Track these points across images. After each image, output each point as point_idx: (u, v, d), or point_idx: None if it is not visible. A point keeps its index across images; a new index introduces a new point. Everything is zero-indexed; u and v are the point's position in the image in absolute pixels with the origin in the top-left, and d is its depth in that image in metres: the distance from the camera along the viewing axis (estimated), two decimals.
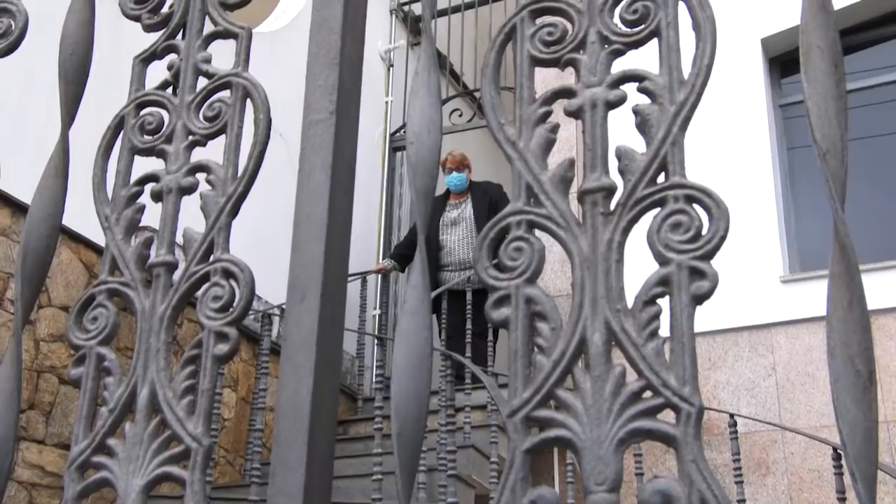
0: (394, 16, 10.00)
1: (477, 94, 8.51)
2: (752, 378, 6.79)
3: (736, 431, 5.31)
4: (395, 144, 9.35)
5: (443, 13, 9.37)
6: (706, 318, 0.93)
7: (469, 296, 6.86)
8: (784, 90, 7.40)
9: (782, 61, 7.22)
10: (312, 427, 1.04)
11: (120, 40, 1.33)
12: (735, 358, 6.70)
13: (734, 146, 6.92)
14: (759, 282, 6.62)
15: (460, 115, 9.04)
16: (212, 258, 1.18)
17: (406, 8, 10.00)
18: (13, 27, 1.44)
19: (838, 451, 4.88)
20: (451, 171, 7.59)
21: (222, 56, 1.31)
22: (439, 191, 7.70)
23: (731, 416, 5.37)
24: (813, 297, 6.54)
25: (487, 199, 7.51)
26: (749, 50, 7.16)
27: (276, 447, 1.04)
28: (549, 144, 1.07)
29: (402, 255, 7.62)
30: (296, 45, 7.23)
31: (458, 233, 7.41)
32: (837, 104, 0.98)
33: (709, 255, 0.96)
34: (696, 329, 0.95)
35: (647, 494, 0.91)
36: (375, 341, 7.44)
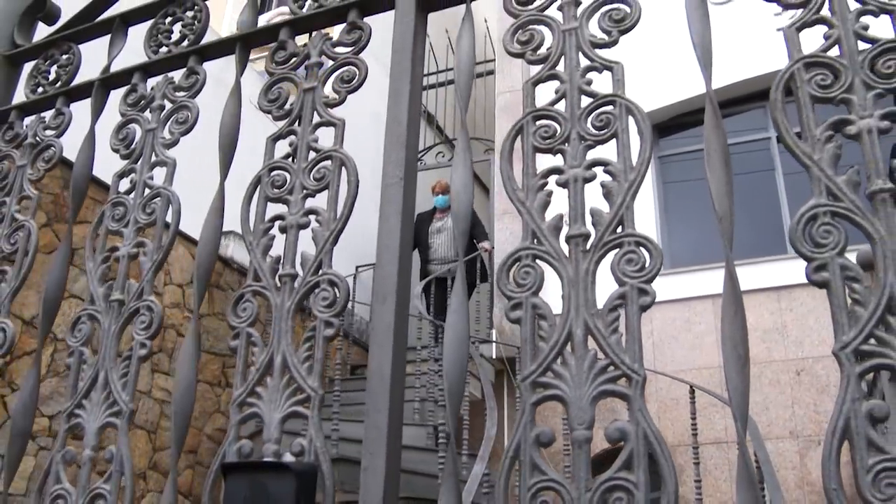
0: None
1: (453, 142, 8.48)
2: None
3: None
4: None
5: (431, 86, 9.32)
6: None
7: (449, 281, 6.86)
8: (661, 145, 7.45)
9: (660, 128, 7.25)
10: (392, 385, 1.08)
11: (256, 125, 1.34)
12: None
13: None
14: None
15: (443, 156, 9.00)
16: (320, 272, 1.21)
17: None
18: (189, 118, 1.47)
19: (692, 387, 4.96)
20: (439, 193, 7.51)
21: (326, 136, 1.35)
22: (427, 208, 7.67)
23: None
24: (677, 285, 6.63)
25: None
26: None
27: (369, 396, 1.09)
28: (546, 204, 1.11)
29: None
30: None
31: (442, 238, 7.37)
32: (728, 187, 1.03)
33: (650, 280, 1.00)
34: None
35: (610, 431, 0.96)
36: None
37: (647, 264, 1.00)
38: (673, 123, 7.37)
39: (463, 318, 1.08)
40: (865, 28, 1.03)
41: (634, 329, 0.98)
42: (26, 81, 1.79)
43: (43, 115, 1.73)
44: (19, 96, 1.84)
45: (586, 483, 0.93)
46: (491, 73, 8.66)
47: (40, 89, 1.77)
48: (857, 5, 1.05)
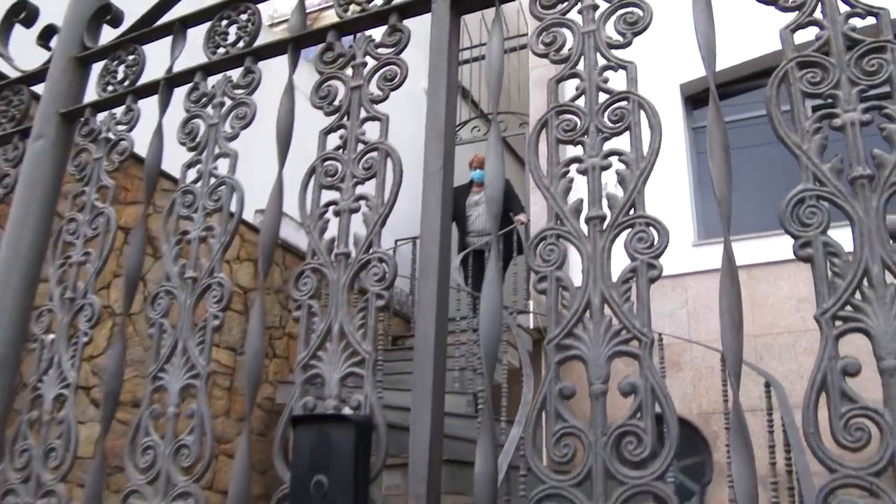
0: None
1: (488, 116, 8.59)
2: (671, 308, 6.97)
3: (662, 344, 5.50)
4: None
5: (465, 61, 9.43)
6: None
7: (486, 254, 7.03)
8: (695, 116, 7.50)
9: (694, 99, 7.31)
10: (436, 349, 1.25)
11: (311, 120, 1.50)
12: (660, 296, 6.84)
13: (662, 156, 7.02)
14: (677, 246, 6.75)
15: (479, 131, 9.14)
16: (371, 251, 1.38)
17: None
18: (248, 113, 1.65)
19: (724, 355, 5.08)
20: (477, 168, 7.66)
21: (372, 128, 1.51)
22: (465, 181, 7.82)
23: (659, 334, 5.55)
24: (712, 256, 6.70)
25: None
26: (671, 91, 7.26)
27: (417, 353, 1.26)
28: (568, 190, 1.26)
29: None
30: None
31: (479, 211, 7.52)
32: (727, 175, 1.17)
33: (658, 256, 1.16)
34: None
35: (622, 385, 1.12)
36: None
37: (655, 242, 1.16)
38: (705, 95, 7.39)
39: (497, 290, 1.24)
40: (853, 29, 1.16)
41: (644, 298, 1.14)
42: (97, 81, 1.98)
43: (114, 111, 1.92)
44: (89, 94, 2.03)
45: (602, 429, 1.09)
46: (524, 47, 8.74)
47: (110, 88, 1.95)
48: (847, 8, 1.18)
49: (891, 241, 1.02)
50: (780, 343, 6.48)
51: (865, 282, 1.03)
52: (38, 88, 2.19)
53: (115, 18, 2.06)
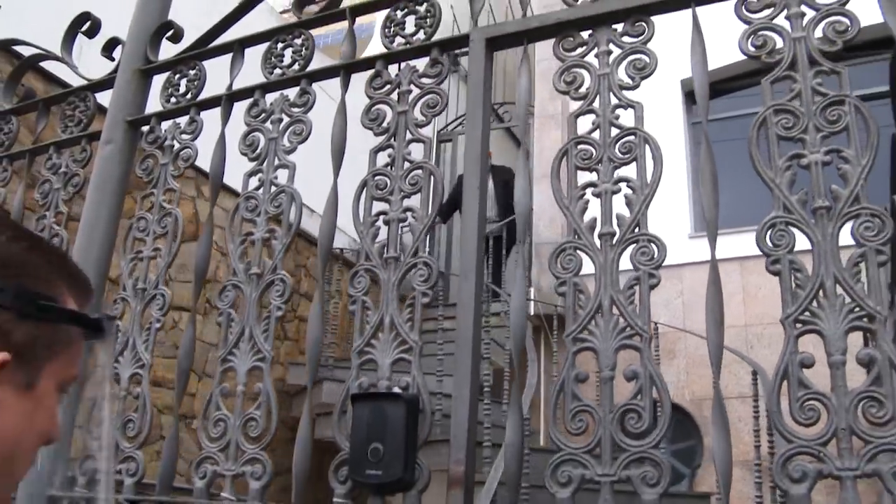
0: None
1: (498, 110, 8.82)
2: (667, 298, 7.24)
3: (657, 333, 5.77)
4: (441, 138, 9.56)
5: None
6: None
7: (492, 241, 7.30)
8: (694, 111, 7.76)
9: (694, 95, 7.53)
10: (474, 341, 1.53)
11: (364, 139, 1.74)
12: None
13: (662, 148, 7.28)
14: (674, 238, 7.02)
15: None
16: (417, 255, 1.65)
17: None
18: (304, 130, 1.91)
19: None
20: None
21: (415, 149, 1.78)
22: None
23: (655, 323, 5.83)
24: (708, 248, 6.97)
25: (502, 178, 7.92)
26: (672, 87, 7.51)
27: (458, 345, 1.53)
28: (584, 210, 1.53)
29: (442, 213, 8.01)
30: None
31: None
32: (716, 201, 1.45)
33: (657, 267, 1.42)
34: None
35: (627, 372, 1.39)
36: None
37: (655, 255, 1.43)
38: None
39: (523, 288, 1.52)
40: (820, 84, 1.43)
41: (645, 301, 1.41)
42: (161, 92, 2.24)
43: (177, 121, 2.18)
44: (151, 105, 2.29)
45: (610, 407, 1.37)
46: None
47: (173, 99, 2.21)
48: (816, 65, 1.44)
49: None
50: (769, 333, 6.77)
51: (821, 293, 1.30)
52: (99, 96, 2.45)
53: (176, 35, 2.31)
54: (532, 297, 7.36)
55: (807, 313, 1.30)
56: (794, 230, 1.36)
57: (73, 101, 2.45)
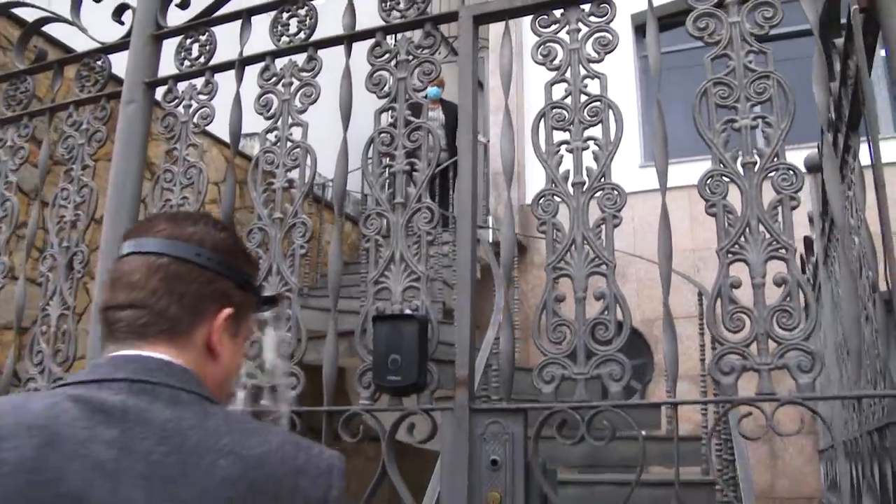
0: None
1: (448, 39, 9.01)
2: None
3: None
4: None
5: None
6: None
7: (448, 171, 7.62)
8: (642, 46, 8.09)
9: (644, 28, 7.83)
10: (471, 271, 1.88)
11: (368, 100, 2.01)
12: None
13: (613, 81, 7.62)
14: (625, 167, 7.42)
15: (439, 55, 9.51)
16: (421, 200, 1.99)
17: None
18: (314, 93, 2.21)
19: None
20: (435, 86, 8.14)
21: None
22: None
23: None
24: (657, 178, 7.39)
25: (452, 112, 8.24)
26: (622, 20, 7.81)
27: (458, 295, 1.89)
28: (559, 163, 1.88)
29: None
30: None
31: (433, 126, 8.05)
32: (669, 251, 1.80)
33: (619, 210, 1.79)
34: None
35: (596, 293, 1.77)
36: None
37: (618, 201, 1.79)
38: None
39: (510, 227, 1.87)
40: (750, 62, 1.78)
41: (610, 238, 1.78)
42: (175, 56, 2.49)
43: (193, 82, 2.45)
44: (164, 68, 2.55)
45: (583, 321, 1.74)
46: None
47: (187, 62, 2.47)
48: (748, 46, 1.79)
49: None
50: (715, 257, 7.28)
51: (747, 230, 1.68)
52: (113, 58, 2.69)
53: (185, 2, 2.56)
54: (490, 224, 7.75)
55: (736, 246, 1.68)
56: (727, 180, 1.73)
57: (89, 62, 2.69)
